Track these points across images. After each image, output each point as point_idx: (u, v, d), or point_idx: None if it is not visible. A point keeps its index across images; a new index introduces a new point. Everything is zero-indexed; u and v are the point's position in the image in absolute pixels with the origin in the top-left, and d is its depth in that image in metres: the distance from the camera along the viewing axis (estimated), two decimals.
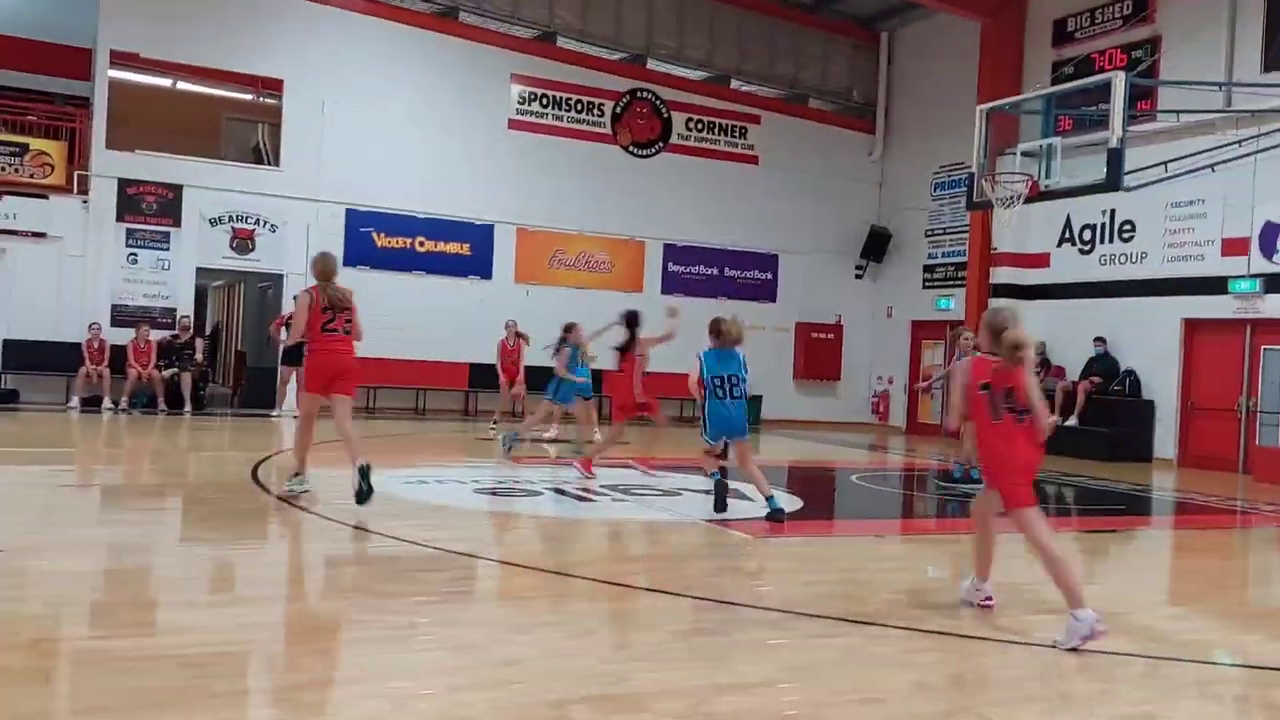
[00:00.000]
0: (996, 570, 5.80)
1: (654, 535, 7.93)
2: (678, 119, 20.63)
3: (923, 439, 19.33)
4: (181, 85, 18.28)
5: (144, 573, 6.01)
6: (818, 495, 10.90)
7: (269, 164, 18.30)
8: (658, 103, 20.49)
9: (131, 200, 16.79)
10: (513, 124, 19.34)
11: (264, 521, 7.84)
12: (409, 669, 4.22)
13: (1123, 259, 16.94)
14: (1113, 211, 16.92)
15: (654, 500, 9.25)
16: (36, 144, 16.59)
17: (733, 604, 5.55)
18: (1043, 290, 18.17)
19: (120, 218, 16.72)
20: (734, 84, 21.27)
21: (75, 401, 15.69)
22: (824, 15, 21.66)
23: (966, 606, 5.67)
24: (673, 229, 20.43)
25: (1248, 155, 13.74)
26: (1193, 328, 15.90)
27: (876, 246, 21.71)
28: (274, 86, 17.90)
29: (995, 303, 13.97)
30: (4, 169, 16.16)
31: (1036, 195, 13.25)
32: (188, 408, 16.13)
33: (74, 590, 5.28)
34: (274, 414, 16.36)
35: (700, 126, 20.87)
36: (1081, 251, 17.67)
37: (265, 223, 17.55)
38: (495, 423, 15.37)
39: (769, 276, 21.34)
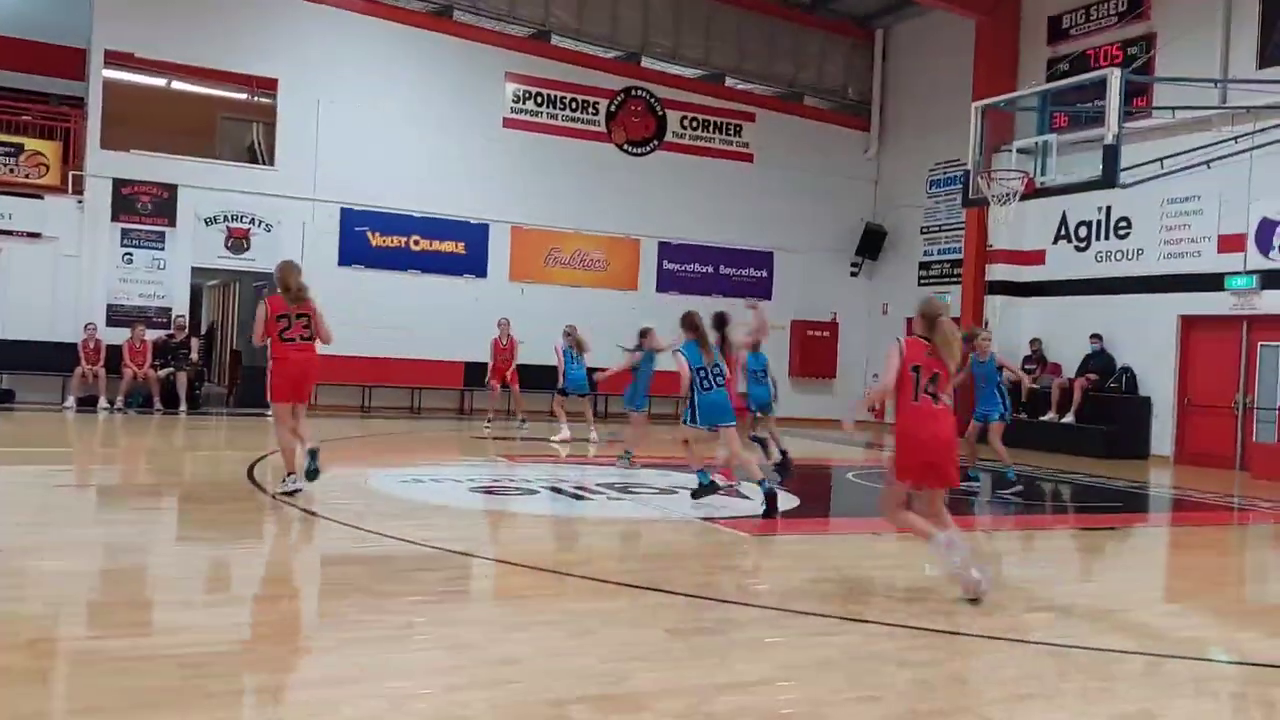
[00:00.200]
0: (1000, 570, 5.79)
1: (652, 534, 7.92)
2: (672, 117, 20.62)
3: None
4: (176, 85, 18.22)
5: (140, 572, 5.99)
6: (814, 493, 10.89)
7: (264, 163, 18.26)
8: (652, 101, 20.47)
9: (126, 200, 16.75)
10: (508, 123, 19.32)
11: (260, 521, 7.82)
12: (406, 668, 4.21)
13: (1119, 256, 16.95)
14: (1109, 208, 16.93)
15: (651, 499, 9.24)
16: (31, 144, 16.54)
17: (731, 602, 5.55)
18: (1039, 287, 18.19)
19: (115, 217, 16.68)
20: (729, 82, 21.25)
21: (71, 401, 15.65)
22: (819, 13, 21.65)
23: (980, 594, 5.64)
24: (668, 227, 20.42)
25: (1244, 151, 13.75)
26: (1189, 324, 15.92)
27: (872, 244, 21.72)
28: (268, 86, 17.86)
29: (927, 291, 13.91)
30: None
31: (1032, 192, 13.25)
32: (183, 407, 16.10)
33: (71, 590, 5.26)
34: (269, 413, 16.29)
35: (695, 125, 20.86)
36: (1077, 248, 17.67)
37: (260, 222, 17.51)
38: (489, 422, 15.36)
39: (764, 274, 21.34)
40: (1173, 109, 14.27)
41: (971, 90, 17.42)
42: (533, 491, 9.53)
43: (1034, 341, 17.57)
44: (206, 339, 21.71)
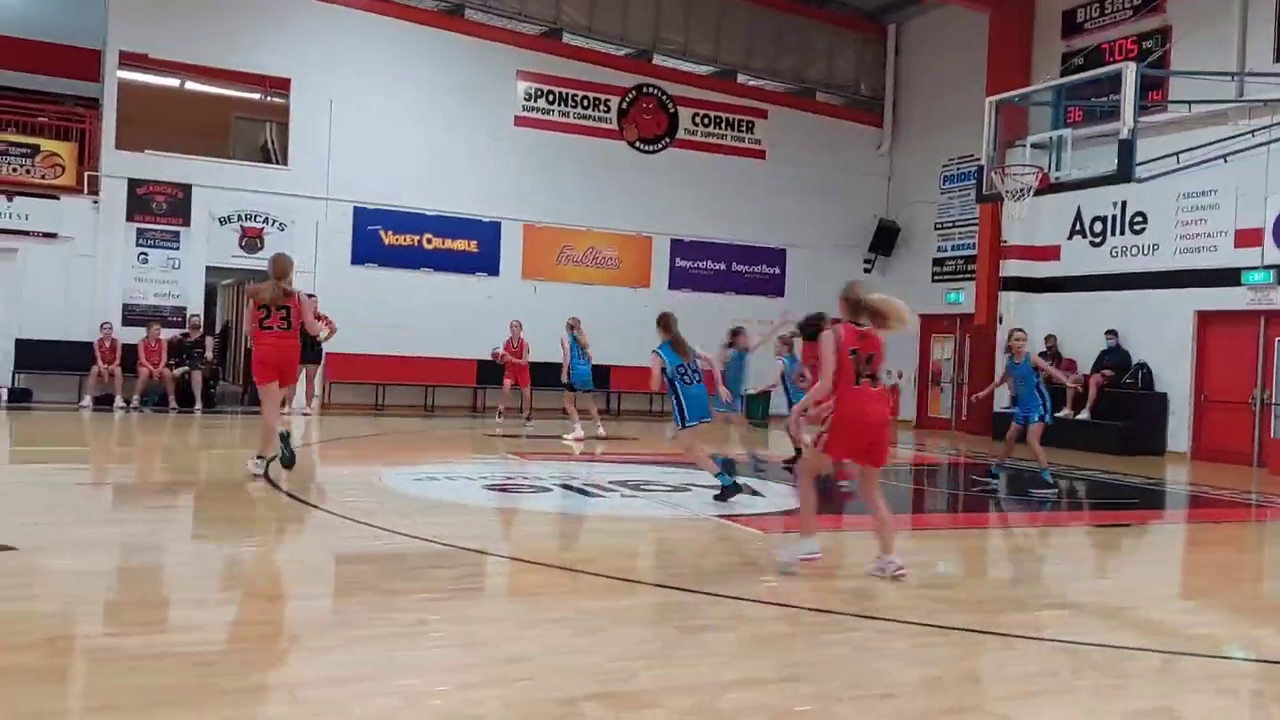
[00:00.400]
0: (1014, 567, 5.77)
1: (663, 531, 7.92)
2: (684, 114, 20.60)
3: (932, 433, 19.28)
4: (190, 85, 18.32)
5: (155, 571, 6.03)
6: (826, 490, 10.84)
7: (277, 163, 18.33)
8: (664, 98, 20.45)
9: (141, 200, 16.84)
10: (519, 121, 19.34)
11: (274, 519, 7.86)
12: (419, 666, 4.22)
13: (1134, 251, 16.85)
14: (1124, 203, 16.84)
15: (663, 496, 9.23)
16: (47, 145, 16.65)
17: (742, 600, 5.54)
18: (1053, 283, 18.10)
19: (130, 217, 16.78)
20: (741, 78, 21.22)
21: (87, 400, 15.76)
22: (831, 9, 21.59)
23: (878, 575, 6.00)
24: (680, 224, 20.40)
25: (1260, 145, 13.64)
26: (1206, 320, 15.81)
27: (885, 240, 21.65)
28: (281, 86, 17.94)
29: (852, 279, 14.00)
30: (15, 170, 16.23)
31: (1047, 187, 13.17)
32: (198, 406, 16.19)
33: (86, 588, 5.29)
34: (284, 411, 16.35)
35: (707, 121, 20.83)
36: (1092, 244, 17.58)
37: (274, 221, 17.58)
38: (500, 417, 15.48)
39: (776, 271, 21.30)
40: (1189, 103, 14.16)
41: (985, 85, 17.33)
42: (545, 489, 9.54)
43: (1049, 338, 17.49)
44: (221, 338, 21.82)
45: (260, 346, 9.07)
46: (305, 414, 16.40)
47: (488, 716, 3.69)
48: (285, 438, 8.87)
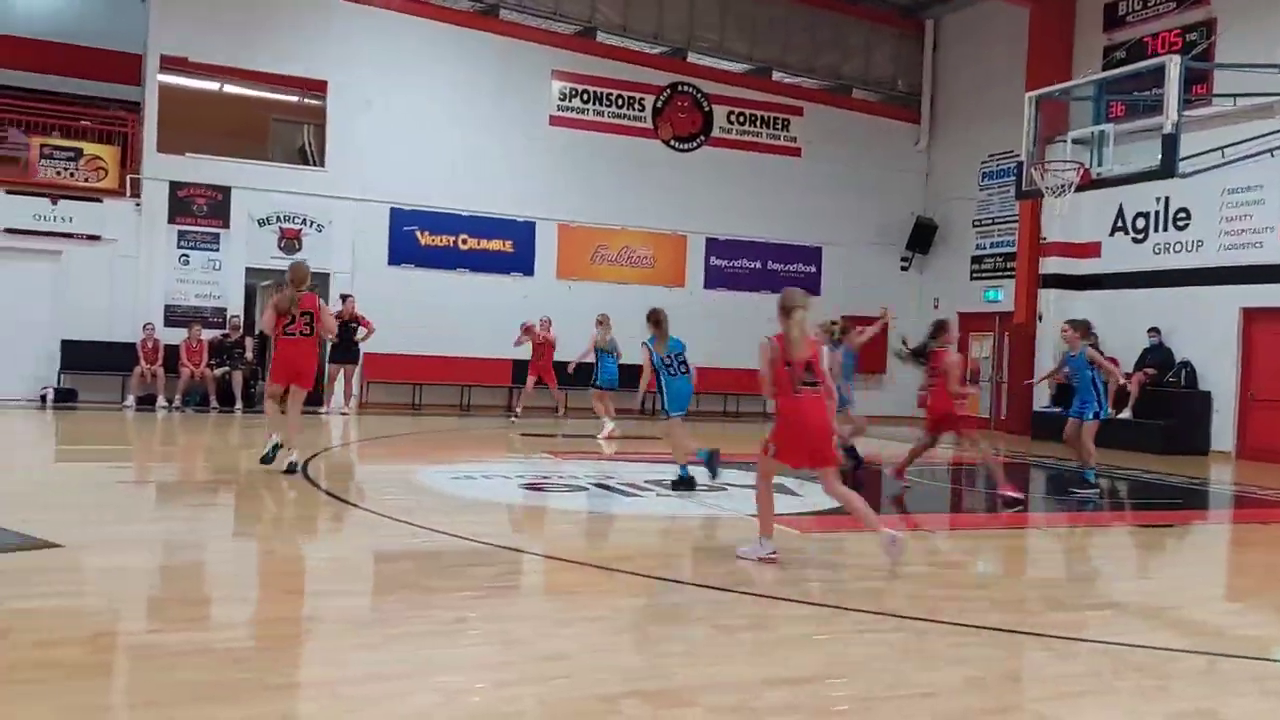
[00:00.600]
0: (1054, 567, 5.70)
1: (699, 530, 7.91)
2: (719, 112, 20.55)
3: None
4: (229, 88, 18.53)
5: (197, 568, 6.10)
6: (865, 490, 10.77)
7: (314, 165, 18.51)
8: (699, 96, 20.42)
9: (182, 202, 17.07)
10: (554, 120, 19.38)
11: (313, 517, 7.93)
12: (457, 664, 4.24)
13: (1178, 247, 16.60)
14: (1167, 199, 16.59)
15: (701, 495, 9.21)
16: (90, 149, 16.91)
17: (779, 599, 5.52)
18: (1094, 280, 17.87)
19: (171, 219, 17.01)
20: (776, 76, 21.14)
21: (131, 400, 15.99)
22: (867, 4, 21.45)
23: (743, 561, 6.21)
24: (715, 223, 20.36)
25: None
26: (1251, 317, 15.54)
27: (922, 238, 21.48)
28: (318, 88, 18.10)
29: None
30: (59, 173, 16.50)
31: (1088, 183, 13.00)
32: (239, 405, 16.37)
33: (129, 585, 5.37)
34: (322, 411, 16.54)
35: (742, 119, 20.77)
36: (1135, 240, 17.34)
37: (311, 222, 17.75)
38: (516, 416, 15.65)
39: (813, 269, 21.20)
40: (1234, 96, 13.91)
41: (1025, 80, 17.13)
42: (580, 488, 9.55)
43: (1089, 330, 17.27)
44: (260, 338, 22.04)
45: (279, 350, 9.52)
46: (344, 413, 16.55)
47: (525, 714, 3.70)
48: (277, 447, 9.25)
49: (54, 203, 16.28)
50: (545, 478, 10.22)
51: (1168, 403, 15.90)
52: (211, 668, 4.00)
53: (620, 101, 19.89)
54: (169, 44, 17.03)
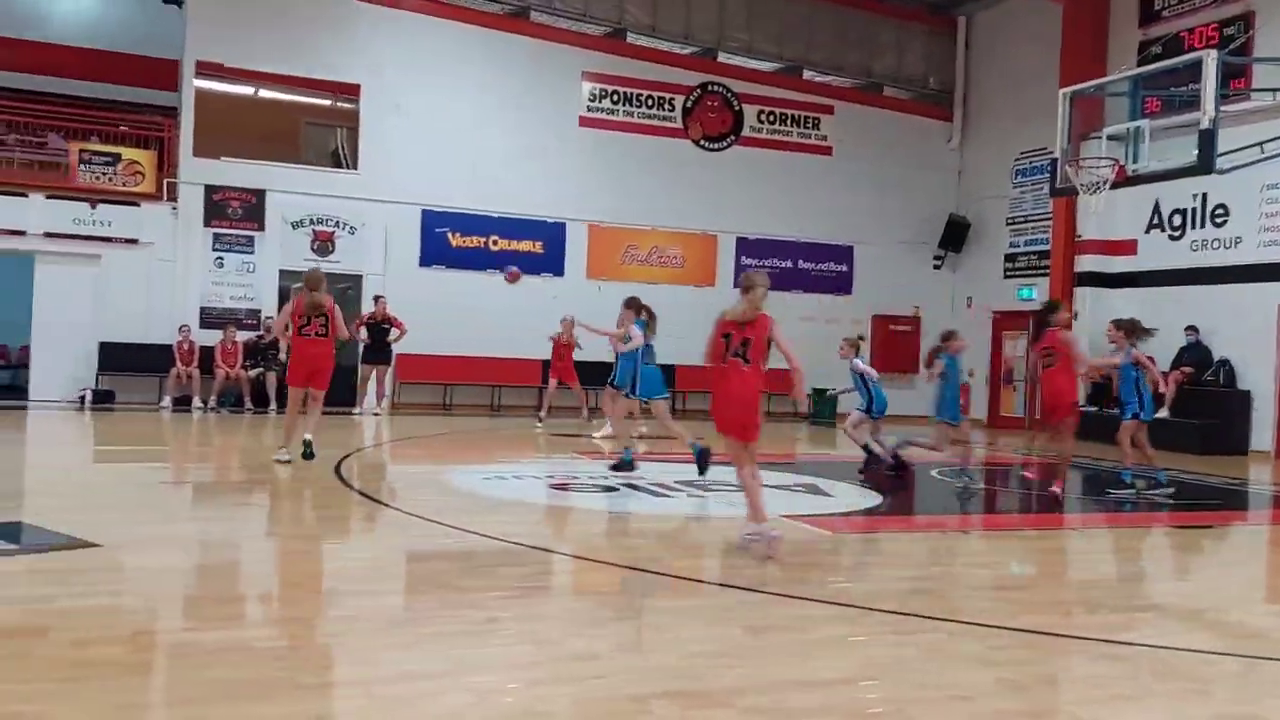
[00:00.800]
0: (1090, 569, 5.64)
1: (731, 531, 7.88)
2: (749, 111, 20.51)
3: (1005, 432, 18.94)
4: (263, 93, 18.72)
5: (233, 567, 6.17)
6: (896, 490, 10.72)
7: (347, 167, 18.66)
8: (729, 96, 20.39)
9: (217, 206, 17.27)
10: (584, 121, 19.42)
11: (346, 517, 7.99)
12: (490, 663, 4.26)
13: (1215, 244, 16.37)
14: (1204, 195, 16.36)
15: (729, 496, 9.19)
16: (128, 153, 17.15)
17: (811, 600, 5.49)
18: (1130, 278, 17.66)
19: (207, 223, 17.21)
20: (806, 75, 21.07)
21: (167, 401, 16.20)
22: (898, 2, 21.32)
23: (744, 549, 6.39)
24: (745, 222, 20.32)
25: None
26: None
27: (955, 236, 21.32)
28: (351, 92, 18.25)
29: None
30: (98, 178, 16.75)
31: (1123, 180, 12.86)
32: (273, 406, 16.52)
33: (167, 584, 5.44)
34: (355, 412, 16.68)
35: (772, 118, 20.71)
36: (1171, 237, 17.12)
37: (344, 225, 17.90)
38: (541, 420, 15.54)
39: (845, 268, 21.11)
40: (1273, 90, 13.69)
41: (1059, 76, 16.97)
42: (611, 488, 9.56)
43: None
44: None
45: (296, 350, 10.06)
46: (376, 414, 16.67)
47: (558, 714, 3.71)
48: (308, 443, 9.85)
49: (93, 207, 16.53)
50: (574, 478, 10.24)
51: (1205, 402, 15.68)
52: (247, 666, 4.04)
53: (650, 102, 19.89)
54: (204, 50, 17.23)
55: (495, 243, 18.85)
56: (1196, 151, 11.54)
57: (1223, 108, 11.69)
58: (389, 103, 18.11)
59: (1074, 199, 15.10)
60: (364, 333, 16.51)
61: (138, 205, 16.86)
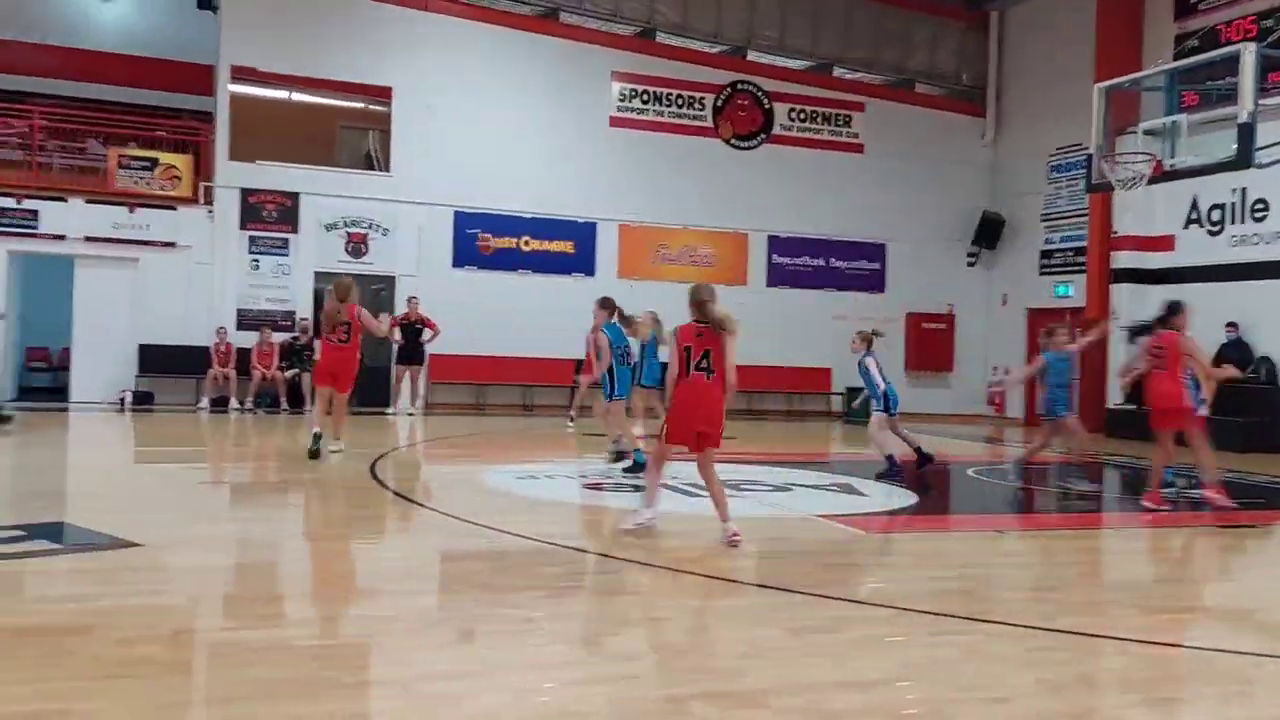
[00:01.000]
0: (1130, 569, 5.57)
1: (766, 531, 7.86)
2: (780, 110, 20.44)
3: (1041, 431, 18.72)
4: (297, 96, 18.90)
5: (271, 567, 6.23)
6: (932, 490, 10.65)
7: (380, 170, 18.79)
8: (759, 94, 20.33)
9: (253, 209, 17.45)
10: (614, 121, 19.44)
11: (382, 517, 8.05)
12: (526, 663, 4.27)
13: (1255, 240, 16.12)
14: (1244, 190, 16.11)
15: (765, 496, 9.18)
16: (165, 158, 17.37)
17: (848, 600, 5.47)
18: (1168, 274, 17.41)
19: (243, 226, 17.40)
20: (837, 72, 20.98)
21: (205, 402, 16.39)
22: None
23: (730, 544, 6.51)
24: (776, 221, 20.25)
25: None
26: None
27: (989, 233, 21.14)
28: (383, 94, 18.38)
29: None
30: (136, 183, 16.97)
31: (1160, 175, 12.69)
32: (308, 406, 16.65)
33: (207, 584, 5.51)
34: (389, 412, 16.80)
35: (803, 116, 20.63)
36: (1210, 233, 16.87)
37: (377, 227, 18.03)
38: (572, 420, 15.42)
39: (877, 266, 20.99)
40: None
41: (1093, 71, 16.77)
42: (644, 488, 9.53)
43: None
44: None
45: (322, 355, 11.04)
46: (410, 414, 16.77)
47: (595, 714, 3.72)
48: (317, 437, 10.26)
49: (131, 211, 16.75)
50: (608, 477, 10.26)
51: (1246, 399, 15.43)
52: (287, 665, 4.08)
53: (680, 101, 19.88)
54: (239, 55, 17.41)
55: (527, 243, 18.91)
56: (1235, 146, 11.36)
57: (1262, 101, 11.49)
58: (420, 104, 18.21)
59: (1110, 195, 14.91)
60: (397, 333, 16.63)
61: (175, 209, 17.07)
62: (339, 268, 18.23)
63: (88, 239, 16.51)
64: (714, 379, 6.62)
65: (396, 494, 8.76)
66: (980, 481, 11.29)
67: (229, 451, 12.56)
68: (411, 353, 16.87)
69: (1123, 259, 17.83)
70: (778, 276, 20.29)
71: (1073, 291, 19.26)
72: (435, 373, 17.82)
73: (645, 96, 19.68)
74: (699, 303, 6.68)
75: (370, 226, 18.01)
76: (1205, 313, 16.40)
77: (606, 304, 10.45)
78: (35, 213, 16.31)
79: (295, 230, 17.65)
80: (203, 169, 17.48)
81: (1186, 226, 17.24)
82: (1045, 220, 20.18)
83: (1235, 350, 15.84)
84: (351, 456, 10.44)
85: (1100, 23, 18.03)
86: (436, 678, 4.01)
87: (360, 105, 19.26)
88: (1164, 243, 17.57)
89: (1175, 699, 4.12)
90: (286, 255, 17.64)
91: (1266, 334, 15.73)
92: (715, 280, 19.18)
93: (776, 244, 20.38)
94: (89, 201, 16.63)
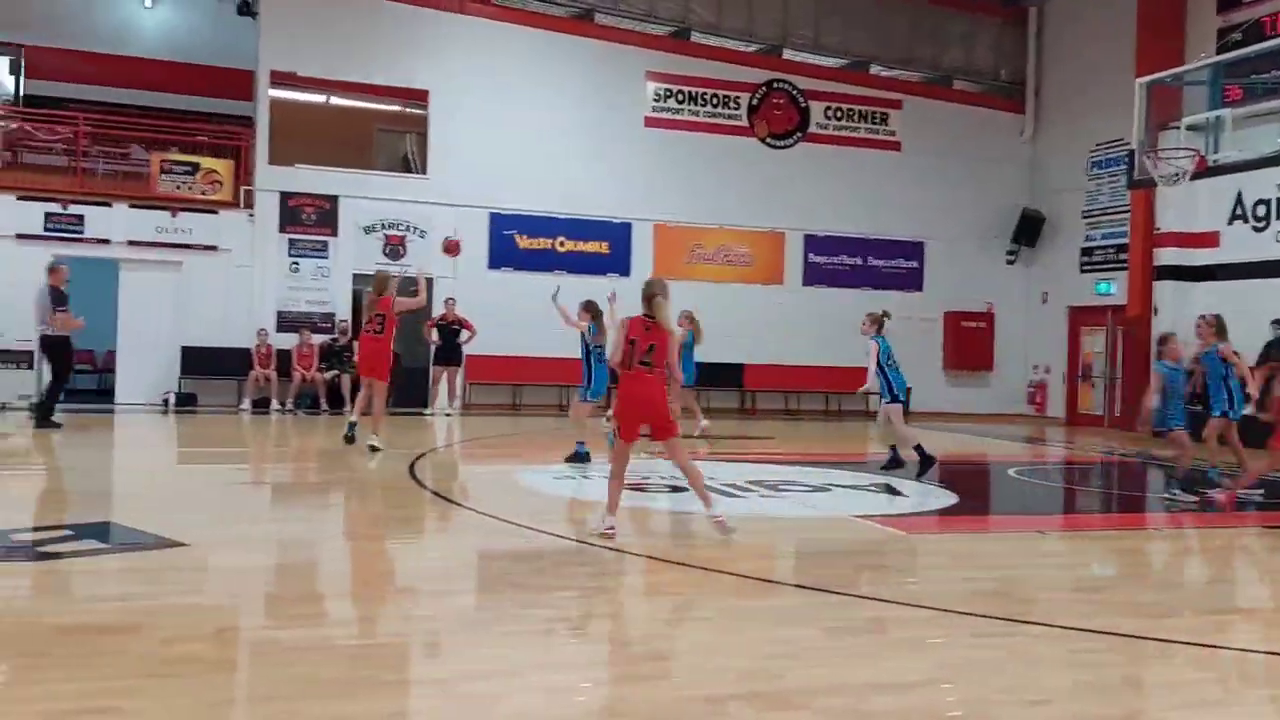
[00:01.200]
0: (1175, 570, 5.49)
1: (803, 531, 7.84)
2: (816, 108, 20.34)
3: (1084, 431, 18.52)
4: (335, 100, 19.08)
5: (312, 566, 6.30)
6: (972, 490, 10.56)
7: (417, 172, 18.92)
8: (795, 93, 20.24)
9: (292, 212, 17.64)
10: (649, 121, 19.44)
11: (420, 517, 8.12)
12: (563, 662, 4.29)
13: None
14: None
15: (802, 496, 9.14)
16: (207, 163, 17.60)
17: (887, 601, 5.43)
18: (1212, 271, 17.12)
19: (282, 229, 17.58)
20: (873, 70, 20.83)
21: (246, 404, 16.59)
22: None
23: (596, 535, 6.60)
24: (813, 219, 20.15)
25: None
26: None
27: (1029, 230, 20.90)
28: (420, 98, 18.50)
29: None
30: (178, 187, 17.22)
31: (1204, 170, 12.49)
32: (347, 407, 16.78)
33: (249, 583, 5.58)
34: (427, 412, 16.92)
35: (839, 115, 20.51)
36: (1255, 228, 16.57)
37: (415, 229, 18.15)
38: (609, 419, 15.42)
39: (915, 265, 20.82)
40: None
41: (1134, 66, 16.53)
42: (682, 488, 9.54)
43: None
44: None
45: (359, 346, 11.90)
46: (448, 414, 16.88)
47: (632, 714, 3.72)
48: (353, 424, 11.17)
49: (174, 215, 16.99)
50: (646, 478, 10.25)
51: None
52: (327, 664, 4.13)
53: (715, 101, 19.84)
54: (278, 60, 17.60)
55: (562, 244, 18.96)
56: None
57: None
58: (456, 107, 18.32)
59: (1152, 191, 14.69)
60: (435, 334, 16.73)
61: (216, 213, 17.29)
62: (378, 269, 18.41)
63: (131, 243, 16.77)
64: (655, 374, 6.73)
65: (435, 494, 8.82)
66: (1020, 482, 11.17)
67: (270, 452, 12.72)
68: (449, 353, 16.98)
69: (1166, 256, 17.56)
70: (814, 276, 20.19)
71: (1114, 289, 19.00)
72: (472, 373, 17.91)
73: (680, 96, 19.66)
74: (649, 297, 6.79)
75: (407, 229, 18.14)
76: (1250, 310, 16.14)
77: (590, 307, 10.82)
78: (81, 218, 16.58)
79: (334, 233, 17.81)
80: (243, 173, 17.70)
81: (1231, 222, 16.94)
82: (1086, 217, 19.92)
83: None
84: (390, 457, 10.53)
85: (1141, 16, 17.77)
86: (474, 677, 4.04)
87: (397, 108, 19.40)
88: (1208, 239, 17.28)
89: (1219, 702, 4.06)
90: (326, 258, 17.81)
91: None
92: (752, 280, 19.52)
93: (813, 243, 20.27)
94: (132, 206, 16.89)
